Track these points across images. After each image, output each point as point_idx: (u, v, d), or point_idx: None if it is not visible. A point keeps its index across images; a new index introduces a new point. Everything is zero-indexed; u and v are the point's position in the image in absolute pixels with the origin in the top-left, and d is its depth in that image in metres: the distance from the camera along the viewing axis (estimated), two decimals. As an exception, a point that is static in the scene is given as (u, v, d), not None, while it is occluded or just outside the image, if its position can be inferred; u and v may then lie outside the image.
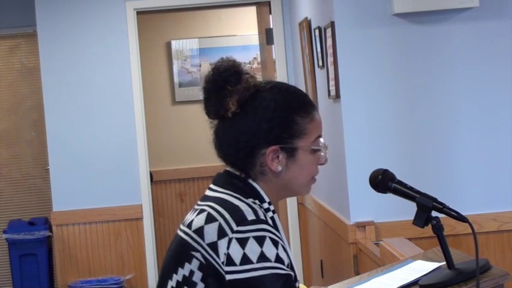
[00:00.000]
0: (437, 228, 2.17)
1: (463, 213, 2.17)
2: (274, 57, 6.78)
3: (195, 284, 1.98)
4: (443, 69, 4.47)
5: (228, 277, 1.94)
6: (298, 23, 5.95)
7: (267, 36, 6.78)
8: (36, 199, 7.67)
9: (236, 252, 1.94)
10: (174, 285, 2.02)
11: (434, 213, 2.18)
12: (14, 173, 7.69)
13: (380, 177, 2.26)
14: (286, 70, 6.72)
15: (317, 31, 5.10)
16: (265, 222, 2.00)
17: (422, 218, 2.18)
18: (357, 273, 4.37)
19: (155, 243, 6.74)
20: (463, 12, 4.46)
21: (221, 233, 1.96)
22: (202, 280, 1.97)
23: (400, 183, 2.25)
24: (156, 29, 8.37)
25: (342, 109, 4.48)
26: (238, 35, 8.42)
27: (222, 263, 1.95)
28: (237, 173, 2.09)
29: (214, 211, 2.02)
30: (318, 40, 5.12)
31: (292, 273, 1.99)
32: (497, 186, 4.47)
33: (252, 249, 1.94)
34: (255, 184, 2.08)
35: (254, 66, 8.22)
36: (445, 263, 2.21)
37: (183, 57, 8.46)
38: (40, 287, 7.09)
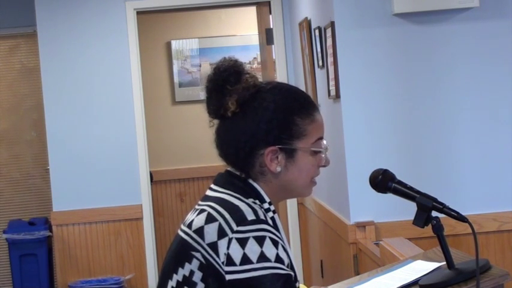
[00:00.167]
0: (437, 228, 2.17)
1: (463, 213, 2.16)
2: (274, 57, 6.78)
3: (195, 284, 1.98)
4: (443, 69, 4.47)
5: (228, 277, 1.94)
6: (298, 23, 5.95)
7: (267, 36, 6.78)
8: (36, 199, 7.67)
9: (236, 252, 1.94)
10: (174, 285, 2.02)
11: (434, 213, 2.18)
12: (14, 173, 7.69)
13: (380, 177, 2.26)
14: (286, 70, 6.71)
15: (317, 31, 5.10)
16: (265, 222, 2.00)
17: (422, 218, 2.18)
18: (357, 273, 4.36)
19: (155, 243, 6.74)
20: (463, 12, 4.46)
21: (221, 233, 1.96)
22: (202, 280, 1.97)
23: (400, 183, 2.25)
24: (156, 29, 8.37)
25: (342, 109, 4.48)
26: (238, 35, 8.42)
27: (222, 263, 1.95)
28: (238, 173, 2.09)
29: (215, 211, 2.02)
30: (318, 40, 5.12)
31: (292, 273, 1.99)
32: (497, 186, 4.47)
33: (252, 249, 1.94)
34: (255, 184, 2.08)
35: (254, 66, 8.22)
36: (445, 263, 2.21)
37: (183, 57, 8.46)
38: (40, 287, 7.08)
